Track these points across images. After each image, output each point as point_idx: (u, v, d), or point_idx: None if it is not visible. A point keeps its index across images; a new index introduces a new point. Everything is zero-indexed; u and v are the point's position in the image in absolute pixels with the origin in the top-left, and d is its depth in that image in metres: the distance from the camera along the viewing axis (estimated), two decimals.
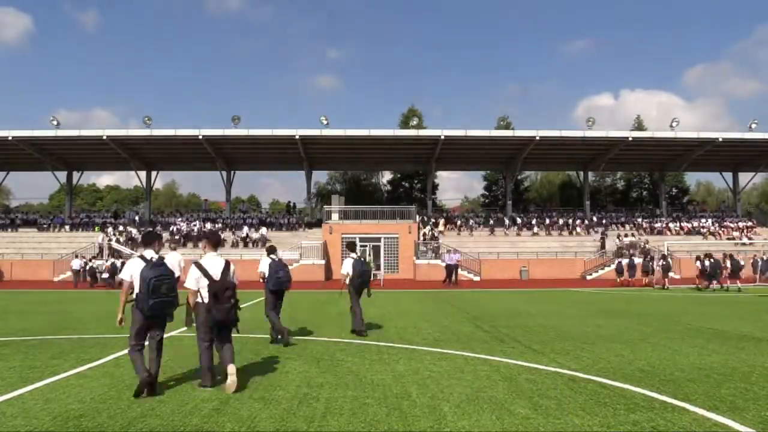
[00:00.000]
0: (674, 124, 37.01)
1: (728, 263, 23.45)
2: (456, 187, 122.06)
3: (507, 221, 38.66)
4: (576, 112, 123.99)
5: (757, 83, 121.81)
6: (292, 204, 48.53)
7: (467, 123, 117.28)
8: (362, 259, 9.95)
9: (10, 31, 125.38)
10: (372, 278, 11.34)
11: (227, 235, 35.32)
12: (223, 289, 5.75)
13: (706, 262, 23.09)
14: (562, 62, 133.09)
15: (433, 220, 37.98)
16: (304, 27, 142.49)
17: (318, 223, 36.79)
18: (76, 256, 29.52)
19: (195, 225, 36.80)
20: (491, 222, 39.04)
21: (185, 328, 10.06)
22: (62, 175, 41.77)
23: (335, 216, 35.01)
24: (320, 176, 56.85)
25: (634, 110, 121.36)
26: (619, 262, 28.20)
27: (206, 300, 5.78)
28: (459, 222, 38.86)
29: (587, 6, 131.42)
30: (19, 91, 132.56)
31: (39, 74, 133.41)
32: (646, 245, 33.16)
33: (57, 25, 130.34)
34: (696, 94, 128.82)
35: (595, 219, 39.75)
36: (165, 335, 5.87)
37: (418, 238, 34.09)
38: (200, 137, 34.86)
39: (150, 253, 5.70)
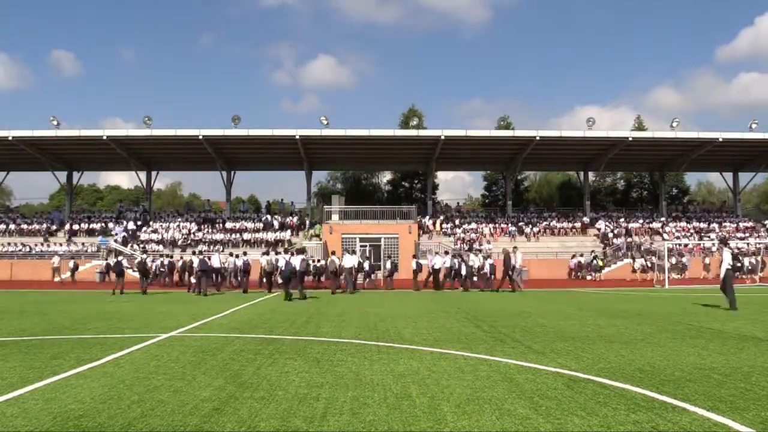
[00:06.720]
0: (674, 124, 37.01)
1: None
2: (450, 188, 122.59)
3: (509, 225, 38.64)
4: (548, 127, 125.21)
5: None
6: (291, 203, 48.42)
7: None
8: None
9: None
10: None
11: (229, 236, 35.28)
12: None
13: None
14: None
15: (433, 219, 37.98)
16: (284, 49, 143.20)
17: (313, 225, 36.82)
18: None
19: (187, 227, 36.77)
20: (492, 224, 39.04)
21: (186, 328, 10.08)
22: (62, 175, 41.79)
23: (335, 216, 35.00)
24: (321, 176, 56.96)
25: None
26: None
27: None
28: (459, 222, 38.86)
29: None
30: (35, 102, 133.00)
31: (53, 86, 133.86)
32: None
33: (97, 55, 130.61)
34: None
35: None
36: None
37: (418, 238, 34.09)
38: (200, 137, 34.87)
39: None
